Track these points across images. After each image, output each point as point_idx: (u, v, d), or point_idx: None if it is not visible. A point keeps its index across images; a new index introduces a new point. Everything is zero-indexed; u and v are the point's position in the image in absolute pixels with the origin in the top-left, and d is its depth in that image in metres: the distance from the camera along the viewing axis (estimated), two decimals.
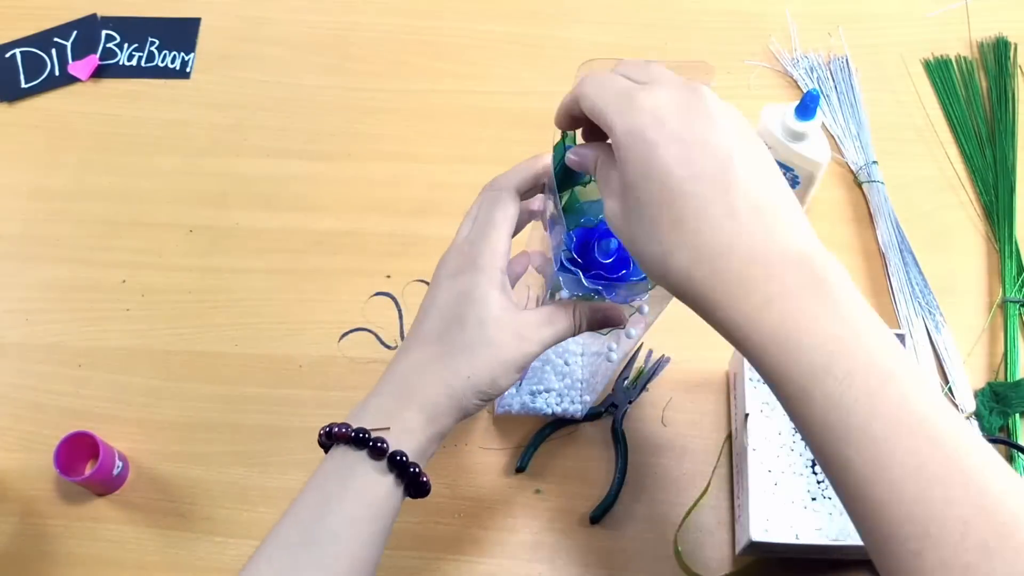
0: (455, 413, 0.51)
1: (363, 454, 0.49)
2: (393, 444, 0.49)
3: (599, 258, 0.53)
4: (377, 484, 0.49)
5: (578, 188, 0.54)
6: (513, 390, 0.68)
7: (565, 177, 0.51)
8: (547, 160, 0.53)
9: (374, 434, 0.49)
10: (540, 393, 0.69)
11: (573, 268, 0.53)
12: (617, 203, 0.44)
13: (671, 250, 0.41)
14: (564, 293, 0.56)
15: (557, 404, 0.70)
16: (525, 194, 0.54)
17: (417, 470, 0.50)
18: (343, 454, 0.50)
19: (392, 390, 0.52)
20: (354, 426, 0.50)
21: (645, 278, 0.52)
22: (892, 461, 0.38)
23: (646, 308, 0.57)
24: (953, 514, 0.37)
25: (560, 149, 0.51)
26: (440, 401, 0.51)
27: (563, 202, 0.53)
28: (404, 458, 0.49)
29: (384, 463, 0.49)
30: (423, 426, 0.51)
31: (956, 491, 0.37)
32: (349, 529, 0.49)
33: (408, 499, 0.52)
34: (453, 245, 0.54)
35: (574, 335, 0.54)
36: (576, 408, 0.70)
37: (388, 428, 0.50)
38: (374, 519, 0.49)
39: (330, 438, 0.51)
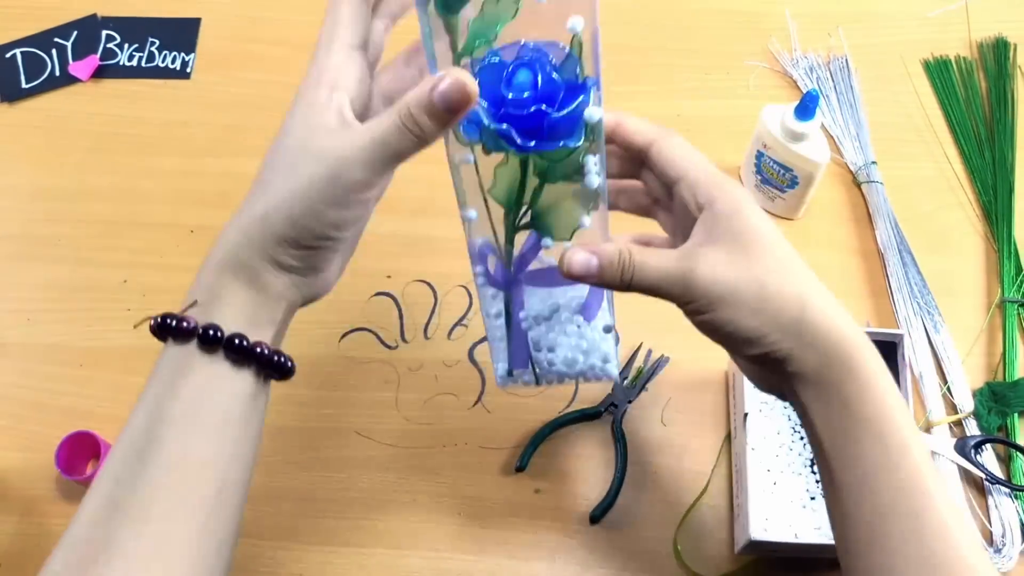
0: (268, 266, 0.43)
1: (184, 345, 0.42)
2: (205, 319, 0.42)
3: (510, 94, 0.41)
4: (199, 369, 0.42)
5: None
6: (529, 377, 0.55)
7: None
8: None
9: (181, 315, 0.42)
10: (552, 351, 0.55)
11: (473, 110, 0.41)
12: (732, 251, 0.45)
13: (809, 294, 0.45)
14: (467, 158, 0.44)
15: (582, 360, 0.54)
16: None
17: (244, 341, 0.42)
18: (164, 351, 0.43)
19: (209, 260, 0.44)
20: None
21: (576, 117, 0.42)
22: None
23: (595, 180, 0.45)
24: None
25: None
26: (240, 253, 0.43)
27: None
28: (218, 332, 0.42)
29: (195, 344, 0.42)
30: (235, 287, 0.43)
31: None
32: (176, 430, 0.42)
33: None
34: None
35: (416, 142, 0.42)
36: (607, 368, 0.55)
37: (194, 303, 0.43)
38: (207, 411, 0.42)
39: (153, 333, 0.44)
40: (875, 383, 0.44)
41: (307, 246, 0.43)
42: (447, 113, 0.41)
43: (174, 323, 0.42)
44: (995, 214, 0.79)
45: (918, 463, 0.43)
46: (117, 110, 0.88)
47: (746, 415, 0.66)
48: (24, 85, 0.90)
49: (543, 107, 0.41)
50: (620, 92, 0.87)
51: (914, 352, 0.73)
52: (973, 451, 0.68)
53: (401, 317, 0.77)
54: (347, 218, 0.43)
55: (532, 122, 0.41)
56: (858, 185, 0.81)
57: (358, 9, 0.45)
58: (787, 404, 0.71)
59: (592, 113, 0.42)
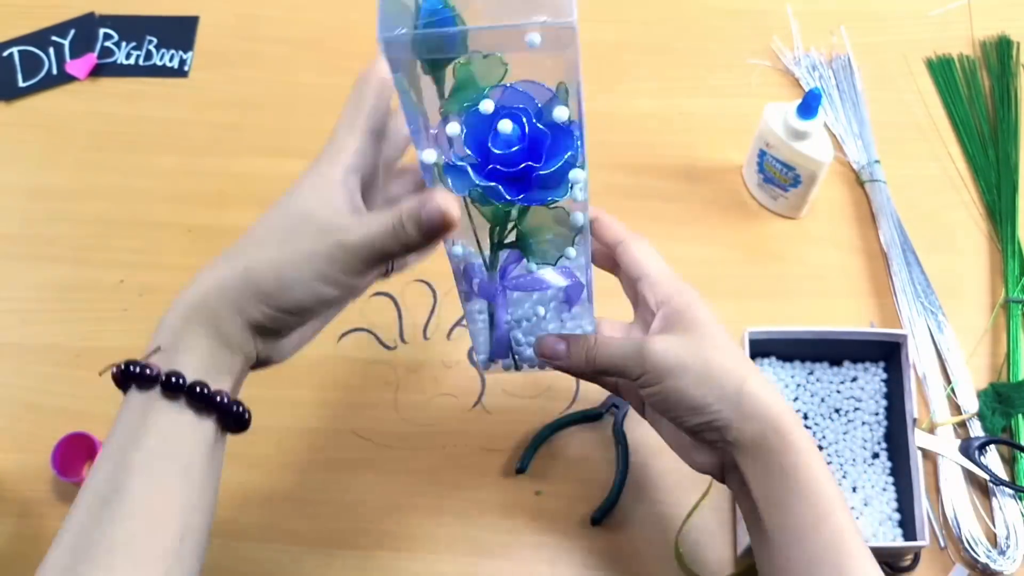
0: (235, 319, 0.43)
1: (148, 391, 0.43)
2: (167, 366, 0.43)
3: (497, 149, 0.42)
4: (162, 416, 0.43)
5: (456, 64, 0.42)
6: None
7: (437, 47, 0.40)
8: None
9: (144, 362, 0.43)
10: (521, 324, 0.56)
11: (460, 165, 0.42)
12: (683, 335, 0.51)
13: (748, 373, 0.50)
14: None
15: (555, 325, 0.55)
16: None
17: (206, 390, 0.43)
18: (127, 397, 0.44)
19: (176, 306, 0.45)
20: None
21: (562, 172, 0.42)
22: None
23: (580, 219, 0.46)
24: None
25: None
26: (211, 301, 0.43)
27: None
28: (179, 380, 0.42)
29: (157, 391, 0.43)
30: (199, 335, 0.43)
31: None
32: (140, 479, 0.42)
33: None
34: None
35: (401, 246, 0.43)
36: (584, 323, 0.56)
37: (157, 349, 0.43)
38: (170, 458, 0.43)
39: (115, 381, 0.44)
40: (808, 454, 0.49)
41: (285, 310, 0.44)
42: (431, 232, 0.43)
43: (137, 370, 0.43)
44: (999, 213, 0.79)
45: (843, 523, 0.49)
46: (114, 109, 0.88)
47: None
48: (21, 84, 0.89)
49: (531, 164, 0.42)
50: (621, 91, 0.86)
51: (918, 352, 0.73)
52: (977, 452, 0.68)
53: (400, 317, 0.77)
54: (331, 297, 0.45)
55: (519, 175, 0.42)
56: (861, 184, 0.81)
57: (382, 98, 0.47)
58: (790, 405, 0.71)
59: (576, 175, 0.43)
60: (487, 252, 0.49)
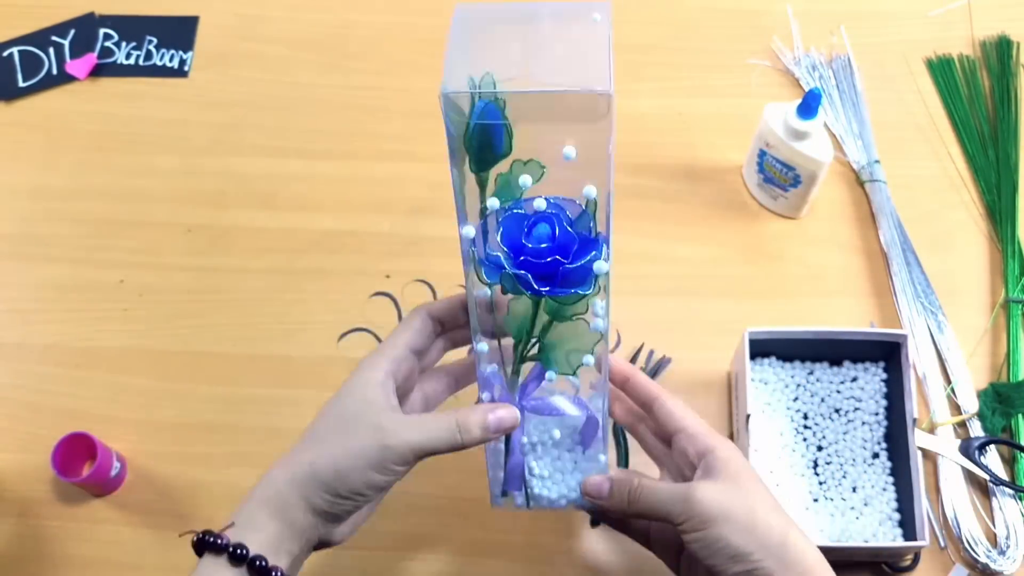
0: (302, 505, 0.51)
1: (217, 557, 0.50)
2: (236, 539, 0.50)
3: (530, 244, 0.47)
4: None
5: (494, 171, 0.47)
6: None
7: (482, 148, 0.46)
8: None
9: (218, 532, 0.50)
10: (544, 480, 0.58)
11: (494, 255, 0.47)
12: (728, 485, 0.52)
13: (791, 525, 0.52)
14: (482, 293, 0.50)
15: (574, 494, 0.58)
16: (446, 323, 0.56)
17: (265, 563, 0.49)
18: (201, 562, 0.51)
19: (254, 491, 0.52)
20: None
21: (587, 269, 0.47)
22: None
23: (601, 324, 0.50)
24: None
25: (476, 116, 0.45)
26: (282, 490, 0.51)
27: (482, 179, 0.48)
28: (244, 551, 0.49)
29: (224, 558, 0.49)
30: (268, 519, 0.50)
31: None
32: None
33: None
34: None
35: (457, 446, 0.52)
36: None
37: (232, 524, 0.50)
38: None
39: (193, 547, 0.51)
40: None
41: (342, 496, 0.51)
42: (496, 433, 0.53)
43: (211, 539, 0.50)
44: (999, 213, 0.79)
45: None
46: (114, 109, 0.88)
47: (748, 416, 0.66)
48: (21, 84, 0.89)
49: (558, 258, 0.47)
50: (621, 91, 0.86)
51: (918, 352, 0.73)
52: (977, 452, 0.68)
53: (400, 317, 0.77)
54: (381, 483, 0.51)
55: (548, 270, 0.47)
56: (861, 184, 0.81)
57: (426, 325, 0.55)
58: (790, 406, 0.71)
59: (600, 267, 0.47)
60: (509, 368, 0.53)
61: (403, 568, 0.68)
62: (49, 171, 0.85)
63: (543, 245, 0.46)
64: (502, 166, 0.46)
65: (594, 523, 0.68)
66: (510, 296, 0.50)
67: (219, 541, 0.50)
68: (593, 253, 0.47)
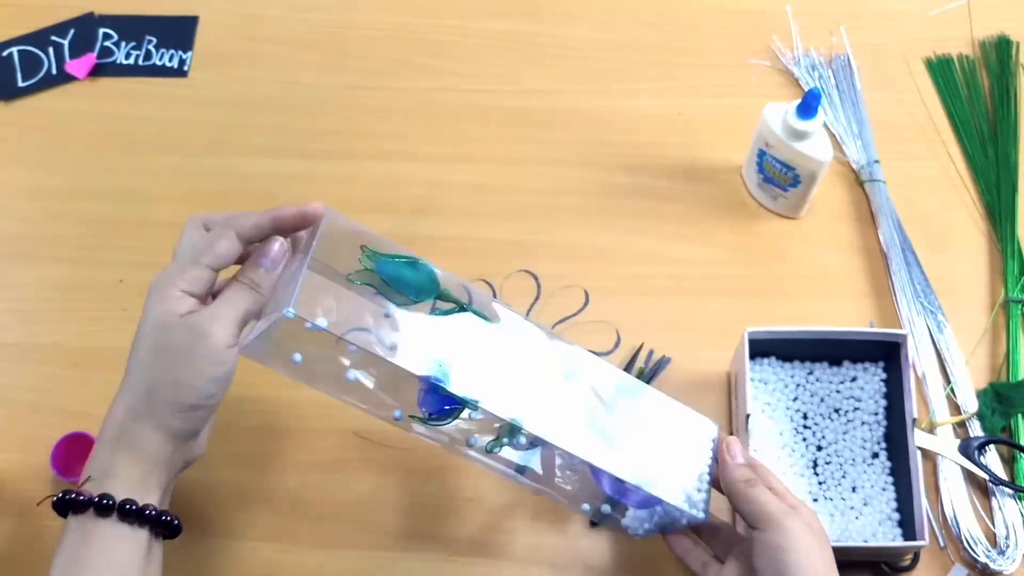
0: (155, 433, 0.51)
1: (83, 515, 0.49)
2: (98, 491, 0.49)
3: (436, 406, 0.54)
4: (98, 533, 0.49)
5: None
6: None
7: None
8: (281, 214, 0.55)
9: (77, 490, 0.49)
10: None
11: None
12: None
13: None
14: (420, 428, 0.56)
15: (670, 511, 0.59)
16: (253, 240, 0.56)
17: (134, 506, 0.49)
18: (67, 524, 0.50)
19: (100, 440, 0.52)
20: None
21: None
22: None
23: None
24: None
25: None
26: (130, 426, 0.51)
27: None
28: (110, 500, 0.49)
29: (91, 513, 0.49)
30: (125, 461, 0.51)
31: None
32: None
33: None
34: None
35: (259, 300, 0.54)
36: (694, 504, 0.59)
37: (88, 478, 0.50)
38: (109, 569, 0.50)
39: (55, 509, 0.51)
40: None
41: (192, 405, 0.52)
42: (273, 267, 0.55)
43: (71, 496, 0.49)
44: (999, 213, 0.79)
45: None
46: (114, 109, 0.88)
47: (748, 416, 0.66)
48: (20, 84, 0.89)
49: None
50: (621, 91, 0.86)
51: (917, 352, 0.73)
52: (977, 452, 0.68)
53: None
54: (221, 374, 0.52)
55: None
56: (861, 184, 0.81)
57: (233, 249, 0.55)
58: (790, 405, 0.71)
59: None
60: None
61: (403, 568, 0.68)
62: (49, 171, 0.85)
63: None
64: None
65: (594, 524, 0.68)
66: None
67: (80, 497, 0.49)
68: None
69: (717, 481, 0.59)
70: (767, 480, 0.57)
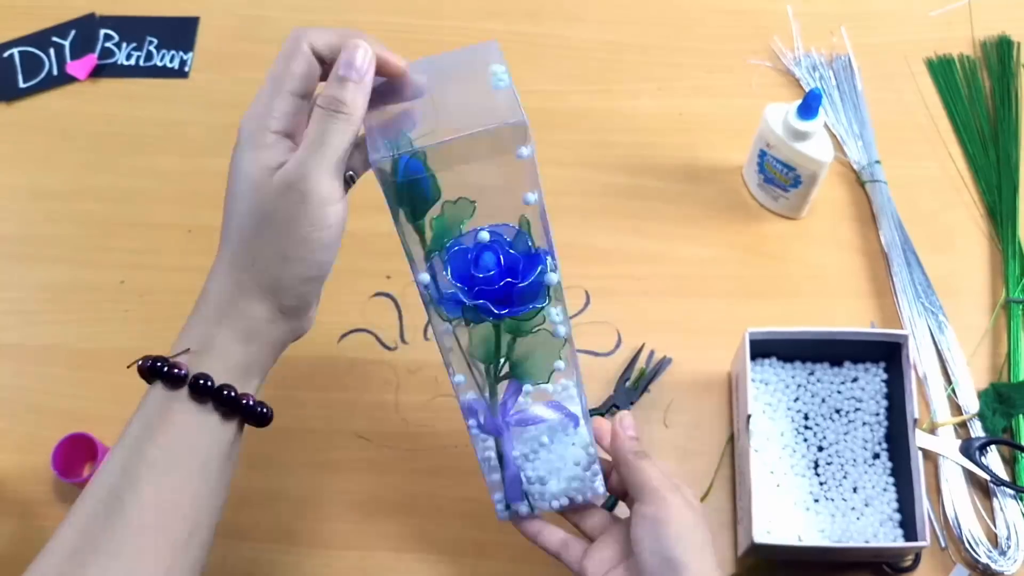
0: (263, 309, 0.45)
1: (172, 390, 0.44)
2: (196, 368, 0.44)
3: (480, 274, 0.49)
4: (185, 416, 0.44)
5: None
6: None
7: (413, 200, 0.47)
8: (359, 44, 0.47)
9: (173, 360, 0.44)
10: (543, 483, 0.60)
11: (450, 292, 0.49)
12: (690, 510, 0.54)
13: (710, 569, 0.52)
14: (446, 329, 0.52)
15: (571, 485, 0.59)
16: (328, 60, 0.48)
17: (233, 393, 0.44)
18: (149, 391, 0.45)
19: (202, 309, 0.46)
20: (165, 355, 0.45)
21: (539, 283, 0.49)
22: None
23: (563, 330, 0.52)
24: None
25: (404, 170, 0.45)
26: (240, 303, 0.45)
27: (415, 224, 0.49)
28: (208, 382, 0.44)
29: (184, 391, 0.44)
30: (231, 340, 0.45)
31: None
32: (155, 472, 0.43)
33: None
34: None
35: (346, 122, 0.45)
36: (595, 486, 0.60)
37: (187, 350, 0.44)
38: (189, 455, 0.44)
39: (141, 374, 0.46)
40: None
41: (305, 278, 0.46)
42: (360, 70, 0.46)
43: (165, 367, 0.44)
44: (1000, 213, 0.79)
45: None
46: (115, 110, 0.88)
47: (749, 417, 0.66)
48: (22, 85, 0.89)
49: (509, 280, 0.49)
50: (621, 91, 0.86)
51: (918, 353, 0.73)
52: (978, 453, 0.68)
53: (400, 318, 0.77)
54: (332, 239, 0.46)
55: (502, 293, 0.49)
56: (862, 184, 0.81)
57: (311, 68, 0.48)
58: (791, 406, 0.71)
59: (551, 278, 0.50)
60: (487, 392, 0.55)
61: (403, 568, 0.68)
62: (49, 172, 0.85)
63: (491, 272, 0.49)
64: (435, 210, 0.48)
65: None
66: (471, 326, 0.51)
67: (177, 370, 0.43)
68: (540, 268, 0.49)
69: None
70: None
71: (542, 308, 0.50)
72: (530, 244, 0.49)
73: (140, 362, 0.45)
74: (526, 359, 0.53)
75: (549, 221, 0.49)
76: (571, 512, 0.61)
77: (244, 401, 0.45)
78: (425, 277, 0.49)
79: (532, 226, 0.49)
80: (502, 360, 0.53)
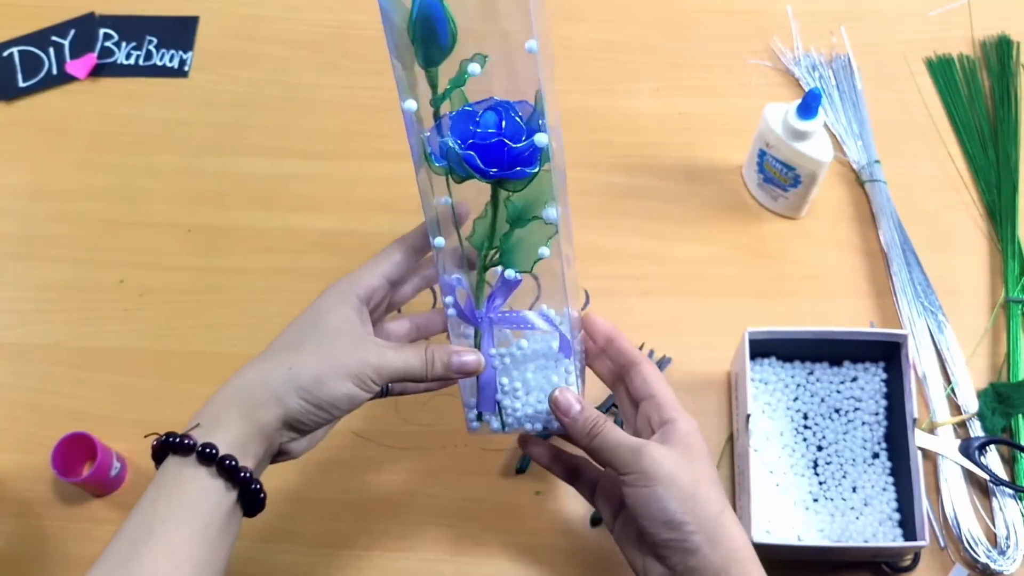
0: (274, 408, 0.50)
1: (183, 458, 0.49)
2: (204, 439, 0.49)
3: (478, 130, 0.50)
4: (193, 480, 0.48)
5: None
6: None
7: (426, 40, 0.48)
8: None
9: (185, 433, 0.49)
10: (518, 396, 0.59)
11: (444, 141, 0.50)
12: (680, 453, 0.54)
13: (727, 506, 0.54)
14: (443, 200, 0.52)
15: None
16: (422, 250, 0.57)
17: (234, 463, 0.49)
18: (166, 462, 0.50)
19: (220, 392, 0.52)
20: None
21: (532, 147, 0.49)
22: None
23: (553, 213, 0.52)
24: None
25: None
26: (255, 390, 0.50)
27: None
28: (213, 450, 0.48)
29: (192, 458, 0.49)
30: (236, 418, 0.50)
31: None
32: (166, 526, 0.47)
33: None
34: None
35: (425, 377, 0.54)
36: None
37: (197, 425, 0.49)
38: (193, 515, 0.48)
39: (155, 449, 0.51)
40: None
41: (317, 405, 0.51)
42: (458, 373, 0.55)
43: (177, 440, 0.49)
44: (999, 213, 0.79)
45: None
46: (114, 109, 0.88)
47: (748, 416, 0.66)
48: (21, 84, 0.89)
49: (504, 140, 0.49)
50: (621, 91, 0.86)
51: (918, 352, 0.73)
52: (977, 452, 0.68)
53: None
54: (356, 397, 0.52)
55: (494, 152, 0.49)
56: (861, 184, 0.81)
57: (405, 256, 0.57)
58: (790, 405, 0.71)
59: (541, 139, 0.49)
60: (474, 280, 0.55)
61: (403, 568, 0.68)
62: (49, 171, 0.85)
63: (490, 130, 0.49)
64: (450, 71, 0.49)
65: (594, 523, 0.68)
66: (476, 216, 0.52)
67: (186, 441, 0.48)
68: (533, 136, 0.49)
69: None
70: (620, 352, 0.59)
71: (534, 175, 0.50)
72: (541, 124, 0.49)
73: (155, 440, 0.50)
74: (515, 246, 0.53)
75: (549, 107, 0.49)
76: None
77: (243, 474, 0.49)
78: (413, 104, 0.49)
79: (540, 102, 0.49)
80: (494, 248, 0.53)
